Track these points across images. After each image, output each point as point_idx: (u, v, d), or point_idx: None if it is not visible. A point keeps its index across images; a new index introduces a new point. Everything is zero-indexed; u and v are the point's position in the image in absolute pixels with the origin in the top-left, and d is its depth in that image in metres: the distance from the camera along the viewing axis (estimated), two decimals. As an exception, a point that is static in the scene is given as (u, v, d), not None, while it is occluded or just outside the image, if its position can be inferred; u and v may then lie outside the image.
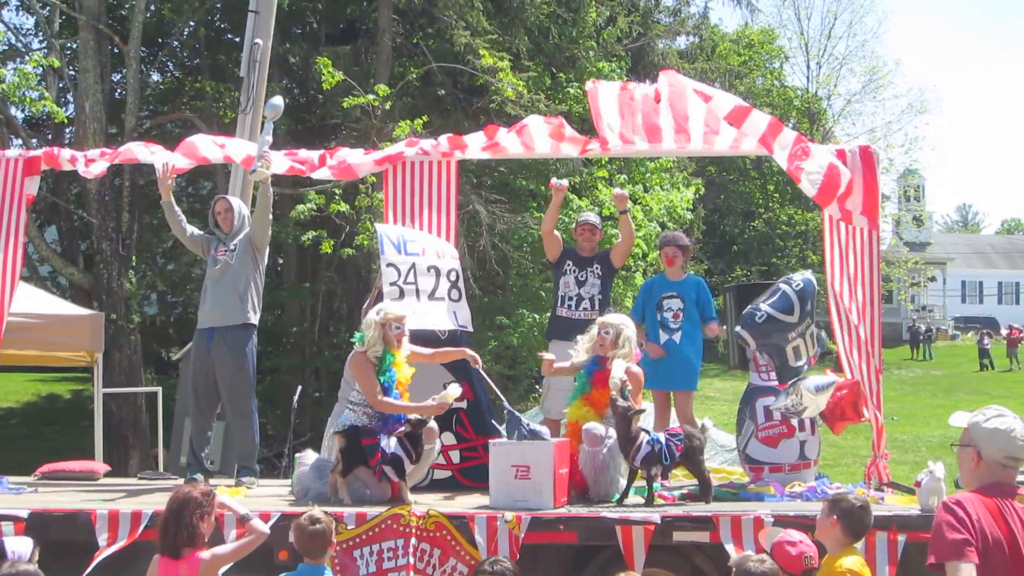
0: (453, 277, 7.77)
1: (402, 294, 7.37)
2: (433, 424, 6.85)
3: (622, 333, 6.89)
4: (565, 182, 8.06)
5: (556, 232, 8.26)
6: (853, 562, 4.66)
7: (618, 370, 6.72)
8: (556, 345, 7.87)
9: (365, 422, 6.63)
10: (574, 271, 8.01)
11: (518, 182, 18.50)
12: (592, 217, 8.25)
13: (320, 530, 5.05)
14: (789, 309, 7.38)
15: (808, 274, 7.68)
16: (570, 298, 7.97)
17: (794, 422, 7.14)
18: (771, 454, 7.18)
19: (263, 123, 7.72)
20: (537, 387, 16.86)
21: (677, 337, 7.85)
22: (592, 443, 6.58)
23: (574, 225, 8.31)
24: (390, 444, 6.51)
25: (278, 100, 7.70)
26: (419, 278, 7.44)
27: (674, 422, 7.74)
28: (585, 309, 7.81)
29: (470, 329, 7.82)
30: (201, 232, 7.96)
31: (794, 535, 4.99)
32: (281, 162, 8.17)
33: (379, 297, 7.54)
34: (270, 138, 7.72)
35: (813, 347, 7.52)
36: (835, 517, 4.74)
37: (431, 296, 7.41)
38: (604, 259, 8.06)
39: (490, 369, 17.15)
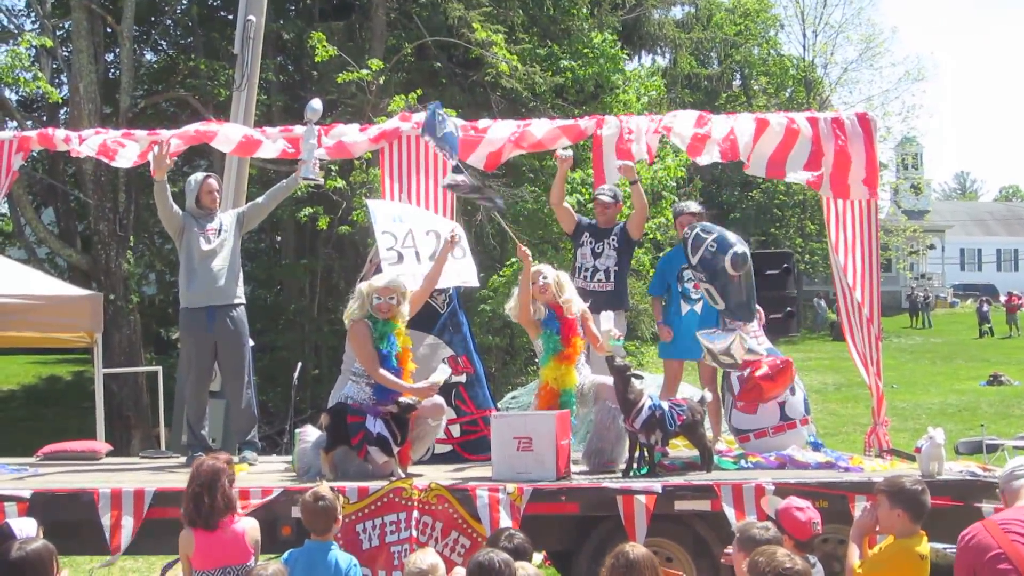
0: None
1: (400, 258, 7.32)
2: (440, 400, 6.85)
3: (557, 276, 6.99)
4: (570, 152, 7.96)
5: (566, 204, 8.21)
6: (925, 547, 4.66)
7: (607, 322, 6.72)
8: None
9: (368, 393, 6.59)
10: (591, 242, 7.97)
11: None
12: (606, 193, 8.15)
13: (326, 506, 5.06)
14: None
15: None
16: (586, 269, 7.93)
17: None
18: (752, 420, 7.09)
19: (305, 126, 7.67)
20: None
21: (698, 308, 7.79)
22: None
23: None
24: (376, 424, 6.45)
25: (317, 103, 7.64)
26: (417, 241, 7.39)
27: (679, 394, 7.73)
28: (600, 280, 7.80)
29: (475, 284, 7.89)
30: (179, 210, 7.85)
31: (800, 502, 5.01)
32: (274, 146, 8.14)
33: (377, 271, 7.52)
34: (315, 141, 7.72)
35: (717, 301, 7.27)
36: (900, 509, 4.67)
37: (432, 257, 7.36)
38: (622, 231, 8.02)
39: (489, 343, 17.16)
